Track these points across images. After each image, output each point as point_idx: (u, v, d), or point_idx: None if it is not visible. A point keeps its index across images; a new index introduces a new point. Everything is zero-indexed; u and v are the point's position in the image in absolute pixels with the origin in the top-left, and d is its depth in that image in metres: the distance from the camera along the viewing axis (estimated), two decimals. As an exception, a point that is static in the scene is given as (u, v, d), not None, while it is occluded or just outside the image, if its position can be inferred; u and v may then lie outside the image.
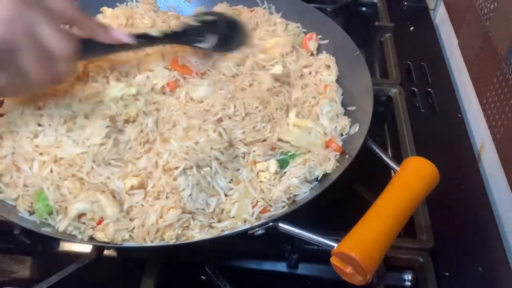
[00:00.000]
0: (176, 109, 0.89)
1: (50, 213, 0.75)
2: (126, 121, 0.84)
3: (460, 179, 0.96)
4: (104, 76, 0.90)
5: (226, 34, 0.97)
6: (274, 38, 1.06)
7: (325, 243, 0.67)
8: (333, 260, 0.64)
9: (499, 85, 0.98)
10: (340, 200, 0.87)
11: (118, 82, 0.88)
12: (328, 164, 0.82)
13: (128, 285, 0.80)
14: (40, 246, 0.84)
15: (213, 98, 0.89)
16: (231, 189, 0.79)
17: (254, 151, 0.83)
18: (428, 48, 1.30)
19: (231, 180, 0.80)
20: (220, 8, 1.15)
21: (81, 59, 0.83)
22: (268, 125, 0.88)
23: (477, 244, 0.86)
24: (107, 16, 1.11)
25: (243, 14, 1.13)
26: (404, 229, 0.68)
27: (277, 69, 0.95)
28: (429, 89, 1.17)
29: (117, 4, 1.15)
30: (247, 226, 0.74)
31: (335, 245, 0.64)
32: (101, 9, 1.13)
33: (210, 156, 0.78)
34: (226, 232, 0.74)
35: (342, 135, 0.89)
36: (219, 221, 0.76)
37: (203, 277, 0.78)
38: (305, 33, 1.11)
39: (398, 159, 0.79)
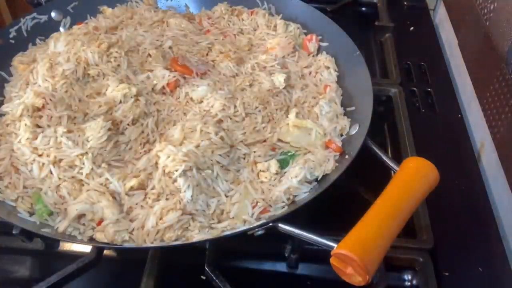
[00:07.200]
0: (176, 109, 0.89)
1: (50, 214, 0.75)
2: (127, 123, 0.84)
3: (460, 179, 0.96)
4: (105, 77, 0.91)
5: None
6: (274, 38, 1.06)
7: (325, 244, 0.67)
8: (333, 260, 0.64)
9: (499, 85, 0.98)
10: (340, 200, 0.87)
11: (119, 83, 0.88)
12: (327, 164, 0.82)
13: (128, 285, 0.80)
14: (40, 246, 0.83)
15: (213, 98, 0.89)
16: (231, 189, 0.79)
17: (254, 151, 0.83)
18: (428, 48, 1.29)
19: (232, 181, 0.80)
20: (220, 8, 1.15)
21: None
22: (268, 126, 0.88)
23: (477, 244, 0.86)
24: (107, 15, 1.11)
25: (243, 15, 1.13)
26: (404, 229, 0.68)
27: (280, 78, 0.95)
28: (429, 89, 1.16)
29: (117, 4, 1.15)
30: (247, 226, 0.74)
31: (334, 245, 0.64)
32: (101, 8, 1.13)
33: (211, 160, 0.78)
34: (226, 233, 0.74)
35: (342, 135, 0.89)
36: (219, 222, 0.76)
37: (203, 277, 0.78)
38: (305, 33, 1.11)
39: (398, 159, 0.79)
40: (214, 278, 0.76)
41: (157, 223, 0.72)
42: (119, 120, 0.84)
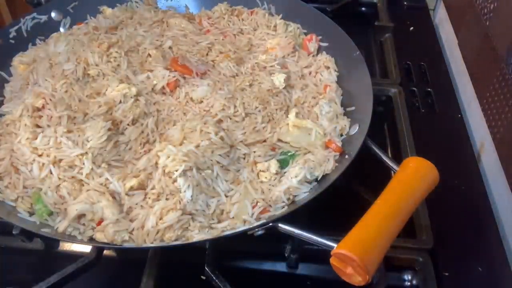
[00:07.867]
0: (176, 110, 0.89)
1: (50, 214, 0.75)
2: (127, 123, 0.84)
3: (460, 179, 0.96)
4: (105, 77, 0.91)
5: None
6: (274, 38, 1.06)
7: (325, 244, 0.67)
8: (333, 260, 0.64)
9: (499, 85, 0.98)
10: (340, 200, 0.87)
11: (119, 83, 0.88)
12: (327, 164, 0.82)
13: (128, 285, 0.80)
14: (40, 246, 0.83)
15: (213, 98, 0.89)
16: (231, 189, 0.79)
17: (254, 151, 0.83)
18: (428, 48, 1.29)
19: (232, 181, 0.80)
20: (220, 8, 1.15)
21: None
22: (268, 126, 0.88)
23: (477, 244, 0.86)
24: (107, 16, 1.11)
25: (243, 15, 1.13)
26: (404, 229, 0.68)
27: (280, 78, 0.95)
28: (429, 89, 1.16)
29: (117, 4, 1.15)
30: (247, 226, 0.74)
31: (334, 245, 0.64)
32: (101, 9, 1.13)
33: (211, 160, 0.78)
34: (226, 233, 0.74)
35: (341, 135, 0.89)
36: (219, 222, 0.76)
37: (203, 277, 0.78)
38: (305, 33, 1.11)
39: (398, 159, 0.79)
40: (214, 278, 0.76)
41: (157, 223, 0.72)
42: (119, 120, 0.84)
